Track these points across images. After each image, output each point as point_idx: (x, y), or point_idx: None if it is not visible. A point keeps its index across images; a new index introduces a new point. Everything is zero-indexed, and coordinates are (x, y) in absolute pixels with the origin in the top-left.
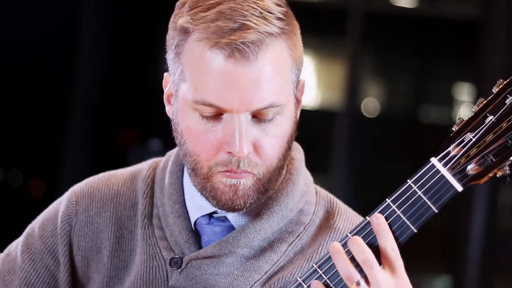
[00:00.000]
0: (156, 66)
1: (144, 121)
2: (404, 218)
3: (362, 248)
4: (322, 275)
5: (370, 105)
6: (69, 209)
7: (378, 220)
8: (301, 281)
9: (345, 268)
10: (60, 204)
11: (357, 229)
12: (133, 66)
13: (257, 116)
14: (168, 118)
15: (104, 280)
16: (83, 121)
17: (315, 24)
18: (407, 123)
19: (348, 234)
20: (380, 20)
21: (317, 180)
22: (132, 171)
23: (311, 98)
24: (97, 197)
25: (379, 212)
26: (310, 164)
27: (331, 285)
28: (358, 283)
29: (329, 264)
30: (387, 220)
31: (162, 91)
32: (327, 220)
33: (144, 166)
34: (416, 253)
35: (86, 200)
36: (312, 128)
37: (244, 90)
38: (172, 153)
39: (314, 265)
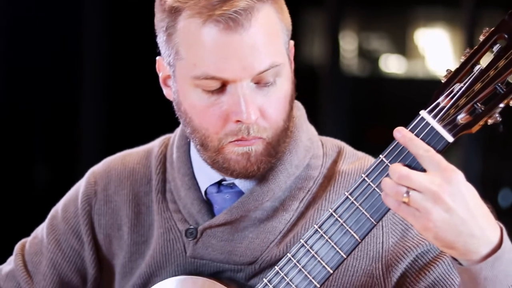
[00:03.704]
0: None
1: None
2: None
3: (392, 169)
4: (323, 235)
5: None
6: (88, 189)
7: (400, 133)
8: (304, 242)
9: (389, 185)
10: (80, 186)
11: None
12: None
13: (259, 82)
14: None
15: (127, 255)
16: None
17: None
18: None
19: (346, 193)
20: None
21: None
22: (146, 149)
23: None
24: (114, 176)
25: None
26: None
27: (334, 245)
28: (407, 193)
29: (330, 224)
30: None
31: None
32: (334, 167)
33: (156, 143)
34: None
35: (104, 180)
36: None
37: (244, 57)
38: (178, 129)
39: (315, 225)
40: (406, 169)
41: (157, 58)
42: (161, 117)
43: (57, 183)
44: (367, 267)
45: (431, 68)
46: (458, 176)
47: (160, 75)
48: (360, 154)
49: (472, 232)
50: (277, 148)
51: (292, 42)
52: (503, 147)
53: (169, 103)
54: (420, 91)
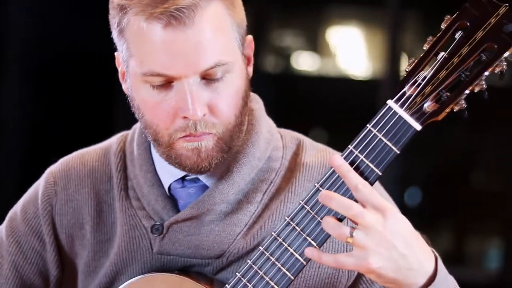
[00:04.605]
0: None
1: None
2: (367, 162)
3: (345, 204)
4: (295, 227)
5: None
6: (48, 189)
7: (337, 162)
8: (276, 235)
9: (331, 227)
10: (38, 186)
11: (324, 178)
12: None
13: (206, 78)
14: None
15: (90, 254)
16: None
17: None
18: None
19: (316, 184)
20: None
21: None
22: (103, 147)
23: (361, 68)
24: (73, 175)
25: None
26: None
27: (307, 237)
28: (351, 234)
29: (301, 216)
30: (352, 166)
31: None
32: (295, 159)
33: (114, 140)
34: (468, 216)
35: (63, 179)
36: (362, 98)
37: (188, 55)
38: (137, 126)
39: (286, 218)
40: (360, 206)
41: (115, 53)
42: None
43: None
44: None
45: (343, 66)
46: (396, 213)
47: (119, 70)
48: (320, 146)
49: (411, 266)
50: (229, 143)
51: (249, 37)
52: (410, 146)
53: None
54: (332, 89)
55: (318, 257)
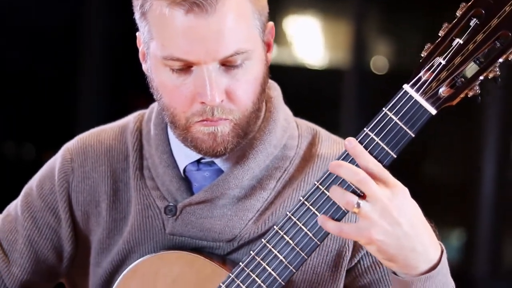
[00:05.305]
0: None
1: None
2: (382, 144)
3: (352, 169)
4: (310, 207)
5: (379, 63)
6: (65, 166)
7: (351, 144)
8: (290, 215)
9: (339, 195)
10: (55, 162)
11: (340, 158)
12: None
13: (226, 64)
14: None
15: (104, 232)
16: (95, 90)
17: None
18: None
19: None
20: None
21: None
22: (121, 125)
23: (319, 58)
24: (90, 152)
25: (358, 142)
26: (320, 123)
27: (320, 215)
28: (358, 205)
29: (316, 196)
30: (367, 149)
31: None
32: (310, 149)
33: (130, 119)
34: (429, 206)
35: (80, 157)
36: (320, 87)
37: (208, 42)
38: (155, 105)
39: (301, 198)
40: (366, 174)
41: (137, 33)
42: None
43: None
44: (340, 248)
45: (299, 55)
46: (405, 193)
47: (140, 50)
48: (335, 137)
49: (414, 247)
50: (246, 129)
51: (270, 24)
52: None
53: None
54: (288, 78)
55: (324, 223)
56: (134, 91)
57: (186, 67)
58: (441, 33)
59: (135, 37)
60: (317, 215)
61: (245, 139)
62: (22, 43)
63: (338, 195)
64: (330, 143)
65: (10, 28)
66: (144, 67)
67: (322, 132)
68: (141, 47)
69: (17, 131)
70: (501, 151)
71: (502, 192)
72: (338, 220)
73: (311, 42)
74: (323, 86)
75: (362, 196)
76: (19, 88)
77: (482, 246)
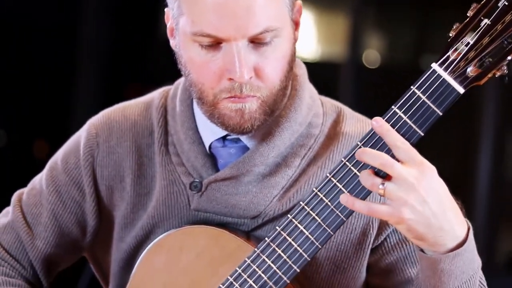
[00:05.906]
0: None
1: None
2: (410, 123)
3: (374, 154)
4: (337, 183)
5: (371, 56)
6: (90, 141)
7: (378, 123)
8: (317, 191)
9: (364, 177)
10: (80, 137)
11: (366, 138)
12: (140, 21)
13: (255, 41)
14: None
15: (128, 207)
16: (90, 80)
17: None
18: (409, 72)
19: (359, 143)
20: None
21: None
22: (145, 101)
23: (314, 51)
24: (115, 127)
25: (386, 120)
26: None
27: (346, 192)
28: (383, 184)
29: (343, 173)
30: (394, 127)
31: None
32: (335, 127)
33: (155, 95)
34: None
35: (105, 132)
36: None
37: (239, 19)
38: (180, 82)
39: (328, 174)
40: (389, 157)
41: (166, 9)
42: None
43: None
44: (364, 226)
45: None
46: (433, 171)
47: (168, 25)
48: (359, 115)
49: (441, 226)
50: (273, 106)
51: (299, 2)
52: None
53: None
54: None
55: (352, 203)
56: (130, 90)
57: (216, 44)
58: (469, 13)
59: (133, 37)
60: (343, 192)
61: (272, 116)
62: (21, 43)
63: (363, 177)
64: (354, 121)
65: (10, 28)
66: (172, 43)
67: (347, 110)
68: (169, 22)
69: (17, 131)
70: (496, 149)
71: (497, 189)
72: (363, 198)
73: (307, 35)
74: (318, 79)
75: (386, 177)
76: (18, 88)
77: (476, 242)
